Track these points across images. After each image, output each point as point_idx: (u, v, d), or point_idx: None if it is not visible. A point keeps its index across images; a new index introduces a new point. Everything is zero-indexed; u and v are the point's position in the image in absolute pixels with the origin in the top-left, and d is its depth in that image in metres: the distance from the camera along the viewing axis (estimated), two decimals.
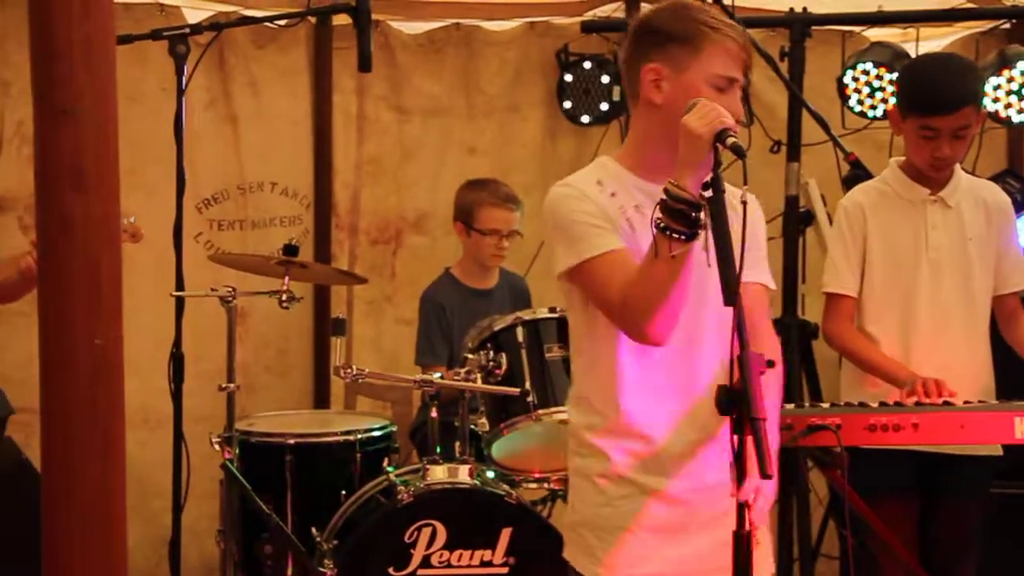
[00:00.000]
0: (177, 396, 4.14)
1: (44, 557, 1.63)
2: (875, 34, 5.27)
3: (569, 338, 2.81)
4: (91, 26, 1.56)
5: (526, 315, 4.02)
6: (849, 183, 4.41)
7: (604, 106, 5.33)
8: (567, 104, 5.38)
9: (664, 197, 2.38)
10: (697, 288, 2.49)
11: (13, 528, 4.14)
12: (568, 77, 5.35)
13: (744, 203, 2.26)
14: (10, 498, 4.20)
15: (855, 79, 4.92)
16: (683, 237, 2.36)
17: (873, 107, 4.96)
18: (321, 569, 3.80)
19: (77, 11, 1.55)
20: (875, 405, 3.42)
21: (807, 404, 3.65)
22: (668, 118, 2.51)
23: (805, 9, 4.94)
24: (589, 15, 5.47)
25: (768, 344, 2.65)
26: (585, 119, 5.38)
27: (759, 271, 2.70)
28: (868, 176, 4.29)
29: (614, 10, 5.48)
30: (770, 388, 2.53)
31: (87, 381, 1.63)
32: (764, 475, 2.10)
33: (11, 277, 4.03)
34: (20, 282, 4.02)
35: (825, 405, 3.51)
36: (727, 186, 2.36)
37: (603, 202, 2.58)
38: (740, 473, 2.23)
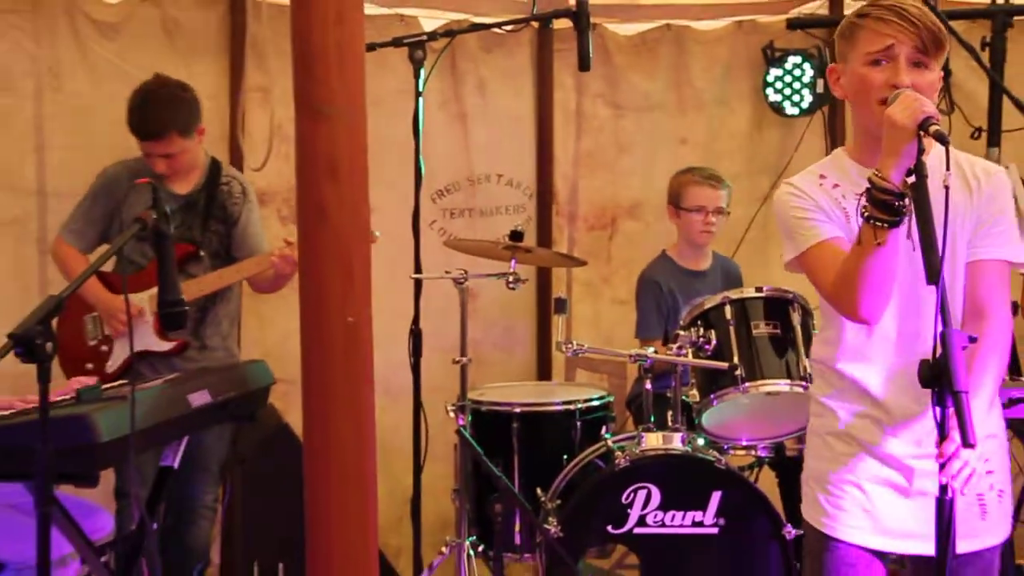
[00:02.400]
0: (416, 368, 4.21)
1: (308, 509, 1.68)
2: None
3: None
4: (343, 33, 1.60)
5: (733, 294, 3.97)
6: None
7: (808, 98, 5.29)
8: (773, 97, 5.32)
9: (868, 187, 2.36)
10: (913, 266, 2.41)
11: (276, 482, 4.29)
12: (774, 71, 5.30)
13: (947, 187, 2.20)
14: (273, 457, 4.34)
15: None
16: (887, 225, 2.33)
17: None
18: (546, 526, 3.82)
19: (332, 20, 1.58)
20: None
21: (1008, 378, 3.51)
22: (855, 108, 2.62)
23: (1007, 0, 4.78)
24: (794, 12, 5.40)
25: (995, 319, 2.56)
26: (790, 110, 5.32)
27: (996, 247, 2.58)
28: None
29: (818, 7, 5.38)
30: (990, 361, 2.50)
31: (341, 355, 1.66)
32: (966, 444, 2.06)
33: (266, 273, 4.18)
34: (275, 278, 4.17)
35: (1022, 379, 3.40)
36: (964, 160, 2.42)
37: (820, 196, 2.59)
38: (942, 439, 2.20)
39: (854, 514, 2.59)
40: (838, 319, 2.61)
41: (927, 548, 2.50)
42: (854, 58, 2.54)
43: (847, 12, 5.35)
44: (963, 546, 2.52)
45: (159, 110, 4.11)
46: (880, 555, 2.63)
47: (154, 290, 4.02)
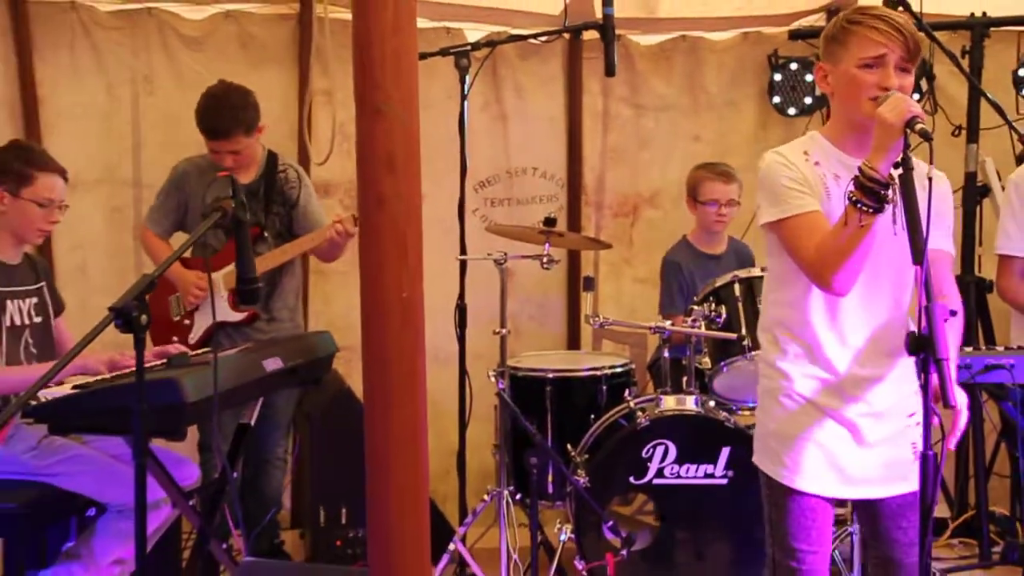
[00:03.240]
0: (461, 338, 4.22)
1: (367, 461, 1.68)
2: None
3: (765, 278, 2.79)
4: (398, 43, 1.60)
5: (742, 274, 3.96)
6: (1022, 160, 4.29)
7: (808, 100, 5.28)
8: (776, 99, 5.30)
9: (858, 175, 2.36)
10: (878, 249, 2.44)
11: (339, 438, 4.32)
12: (777, 77, 5.28)
13: (930, 179, 2.22)
14: (337, 417, 4.36)
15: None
16: (871, 210, 2.34)
17: None
18: (575, 477, 3.83)
19: (389, 32, 1.58)
20: None
21: (984, 347, 3.49)
22: (840, 102, 2.59)
23: (984, 13, 4.83)
24: (795, 25, 5.37)
25: (951, 298, 2.59)
26: (791, 111, 5.31)
27: (942, 240, 2.61)
28: None
29: (816, 20, 5.37)
30: (952, 333, 2.48)
31: (397, 326, 1.67)
32: (947, 405, 2.09)
33: (322, 245, 4.20)
34: (330, 247, 4.18)
35: (999, 348, 3.38)
36: (919, 163, 2.31)
37: (807, 170, 2.56)
38: (926, 404, 2.18)
39: (810, 468, 2.59)
40: (802, 288, 2.57)
41: (874, 493, 2.61)
42: (846, 60, 2.52)
43: None
44: (904, 487, 2.58)
45: (226, 113, 4.12)
46: (832, 500, 2.65)
47: (228, 268, 4.08)
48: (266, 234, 4.29)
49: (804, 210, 2.52)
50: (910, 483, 2.55)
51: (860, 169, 2.35)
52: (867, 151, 2.40)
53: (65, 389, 2.94)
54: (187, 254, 4.10)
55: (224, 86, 4.24)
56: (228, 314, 4.20)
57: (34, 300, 3.55)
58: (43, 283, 3.62)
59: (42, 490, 3.29)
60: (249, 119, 4.16)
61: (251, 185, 4.27)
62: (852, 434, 2.58)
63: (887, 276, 2.56)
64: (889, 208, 2.35)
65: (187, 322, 4.24)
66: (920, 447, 2.53)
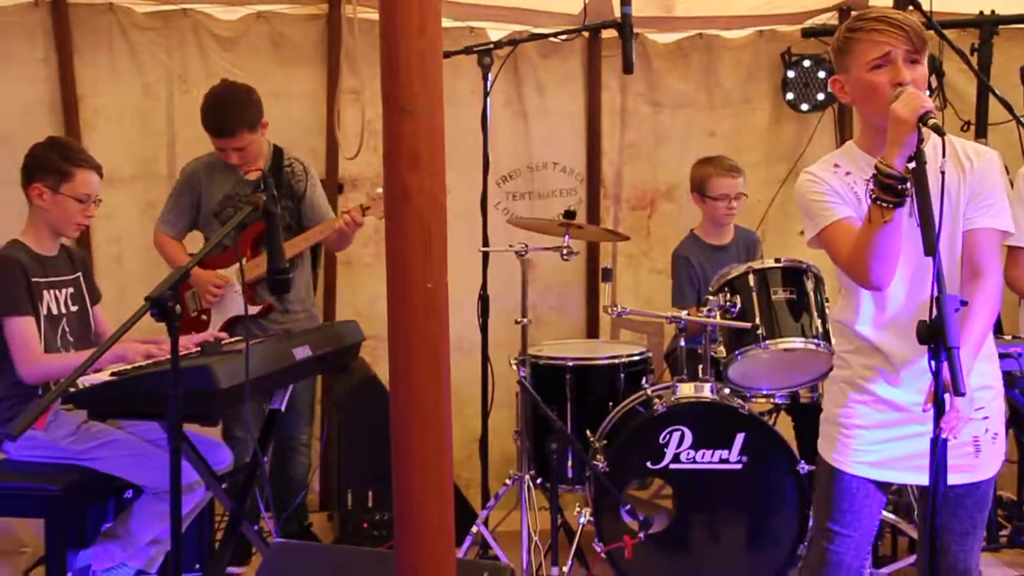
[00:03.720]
0: (484, 328, 4.22)
1: (393, 446, 1.68)
2: None
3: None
4: (424, 43, 1.59)
5: (756, 265, 3.94)
6: None
7: (820, 96, 5.26)
8: (789, 96, 5.28)
9: (875, 172, 2.37)
10: (917, 242, 2.33)
11: (365, 424, 4.33)
12: (790, 74, 5.25)
13: (943, 172, 2.20)
14: (364, 403, 4.37)
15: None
16: (891, 205, 2.34)
17: None
18: (594, 462, 3.82)
19: (414, 32, 1.58)
20: None
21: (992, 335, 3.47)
22: (861, 108, 2.60)
23: (993, 11, 4.81)
24: (808, 23, 5.34)
25: (988, 279, 2.55)
26: (804, 107, 5.29)
27: (988, 217, 2.56)
28: None
29: (829, 18, 5.34)
30: (983, 314, 2.51)
31: (422, 316, 1.66)
32: (956, 392, 2.08)
33: (328, 238, 4.21)
34: (339, 238, 4.21)
35: (1007, 337, 3.36)
36: (959, 140, 2.40)
37: (834, 181, 2.59)
38: (938, 390, 2.18)
39: (859, 451, 2.60)
40: (855, 287, 2.60)
41: (919, 479, 2.56)
42: (856, 67, 2.52)
43: None
44: (962, 478, 2.56)
45: (230, 112, 4.12)
46: (880, 485, 2.63)
47: (235, 266, 4.11)
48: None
49: (835, 219, 2.55)
50: (966, 474, 2.58)
51: (876, 166, 2.36)
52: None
53: (103, 376, 2.96)
54: (194, 250, 4.16)
55: (227, 85, 4.24)
56: (242, 308, 4.18)
57: (70, 290, 3.56)
58: (79, 273, 3.63)
59: (82, 473, 3.31)
60: (252, 116, 4.15)
61: (259, 180, 4.26)
62: (904, 421, 2.57)
63: (928, 267, 2.52)
64: (911, 204, 2.33)
65: (203, 318, 4.24)
66: (985, 441, 2.59)
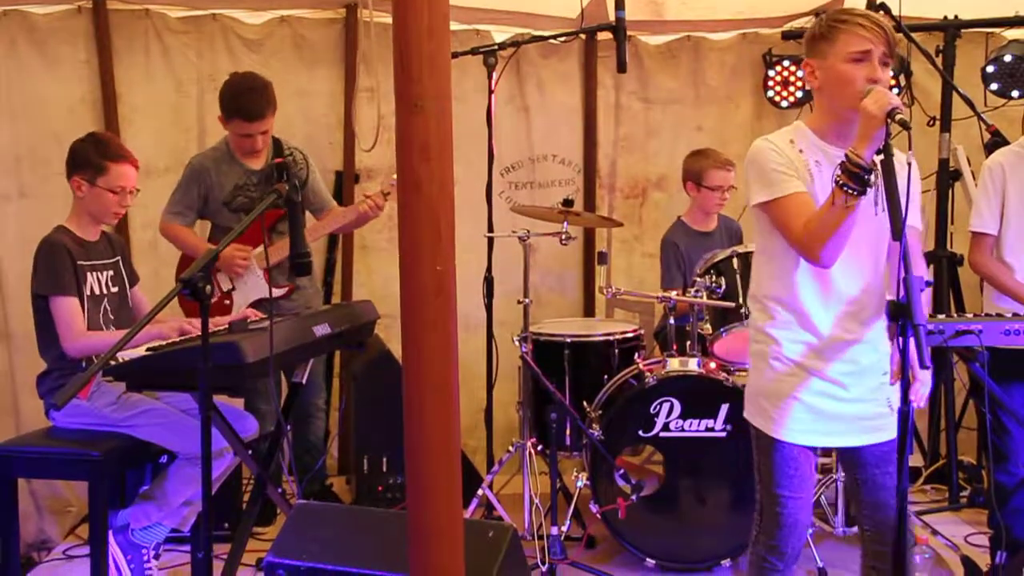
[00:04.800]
0: (489, 307, 4.22)
1: (405, 415, 1.69)
2: (1013, 34, 4.94)
3: (753, 253, 2.76)
4: (434, 44, 1.59)
5: (740, 249, 3.93)
6: (990, 148, 4.31)
7: (799, 94, 5.22)
8: (770, 93, 5.25)
9: (844, 161, 2.34)
10: (860, 226, 2.43)
11: (380, 395, 4.33)
12: (771, 73, 5.22)
13: (910, 164, 2.20)
14: (378, 376, 4.37)
15: (996, 69, 4.66)
16: (856, 192, 2.33)
17: (1011, 90, 4.70)
18: (591, 431, 3.83)
19: (425, 34, 1.57)
20: (1008, 315, 3.32)
21: (955, 315, 3.47)
22: (827, 96, 2.54)
23: (956, 16, 4.83)
24: (787, 26, 5.32)
25: (920, 268, 2.54)
26: (784, 104, 5.25)
27: (916, 218, 2.58)
28: (1005, 143, 4.17)
29: (807, 22, 5.31)
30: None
31: (432, 296, 1.66)
32: (923, 366, 2.08)
33: (351, 220, 4.21)
34: (355, 222, 4.21)
35: (969, 315, 3.36)
36: (898, 151, 2.33)
37: (793, 155, 2.53)
38: (905, 365, 2.17)
39: (794, 421, 2.58)
40: (791, 262, 2.55)
41: (853, 442, 2.61)
42: (833, 55, 2.48)
43: None
44: (884, 436, 2.58)
45: (259, 96, 4.10)
46: (814, 450, 2.65)
47: (258, 249, 4.11)
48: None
49: (792, 191, 2.49)
50: (887, 433, 2.58)
51: (846, 155, 2.34)
52: (847, 141, 2.40)
53: (140, 351, 2.96)
54: (209, 239, 4.20)
55: (246, 74, 4.22)
56: (265, 291, 4.16)
57: (111, 272, 3.57)
58: (118, 257, 3.63)
59: (121, 440, 3.32)
60: (274, 100, 4.15)
61: (264, 170, 4.25)
62: (834, 390, 2.57)
63: (867, 250, 2.55)
64: (871, 191, 2.34)
65: (227, 302, 4.23)
66: (895, 402, 2.56)
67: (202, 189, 4.25)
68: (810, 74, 2.56)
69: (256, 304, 4.13)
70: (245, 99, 4.09)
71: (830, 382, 2.57)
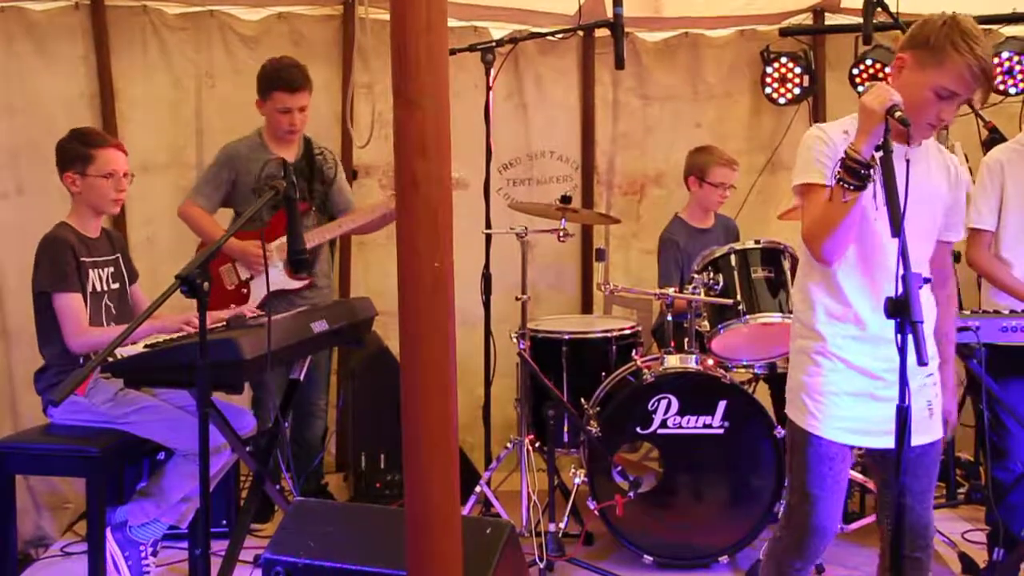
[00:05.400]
0: (487, 303, 4.21)
1: (403, 412, 1.68)
2: (1010, 30, 4.95)
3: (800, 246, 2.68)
4: (431, 40, 1.58)
5: (737, 246, 3.93)
6: (988, 145, 4.30)
7: (796, 91, 5.21)
8: (768, 90, 5.24)
9: (843, 156, 2.34)
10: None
11: (378, 392, 4.33)
12: (769, 70, 5.21)
13: (908, 160, 2.21)
14: (376, 373, 4.37)
15: (994, 65, 4.66)
16: (853, 187, 2.32)
17: (1010, 86, 4.70)
18: (588, 428, 3.83)
19: (422, 30, 1.57)
20: (1006, 312, 3.31)
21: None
22: (904, 91, 2.36)
23: (954, 12, 4.75)
24: (785, 23, 5.33)
25: (952, 284, 2.66)
26: (781, 101, 5.25)
27: (956, 233, 2.64)
28: (1003, 139, 4.16)
29: (804, 19, 5.35)
30: (950, 303, 2.59)
31: (429, 292, 1.66)
32: (920, 362, 2.05)
33: (374, 219, 4.20)
34: (379, 221, 4.20)
35: (967, 312, 3.36)
36: (943, 149, 2.42)
37: (841, 145, 2.43)
38: (903, 362, 2.15)
39: (833, 417, 2.54)
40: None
41: (888, 442, 2.53)
42: (930, 76, 2.39)
43: (828, 23, 5.30)
44: (921, 439, 2.53)
45: (300, 71, 4.16)
46: (850, 450, 2.61)
47: (281, 240, 4.07)
48: (312, 208, 4.29)
49: (819, 180, 2.46)
50: (926, 435, 2.56)
51: (845, 151, 2.34)
52: (900, 137, 2.38)
53: (138, 348, 2.96)
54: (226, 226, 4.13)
55: (282, 56, 4.26)
56: (286, 282, 4.18)
57: (111, 269, 3.57)
58: (118, 254, 3.63)
59: (119, 436, 3.32)
60: (311, 81, 4.22)
61: (295, 164, 4.26)
62: (875, 388, 2.52)
63: (911, 245, 2.51)
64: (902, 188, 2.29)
65: (245, 291, 4.24)
66: (936, 406, 2.59)
67: (232, 174, 4.24)
68: (897, 68, 2.47)
69: (273, 295, 4.12)
70: (286, 71, 4.14)
71: (873, 379, 2.52)
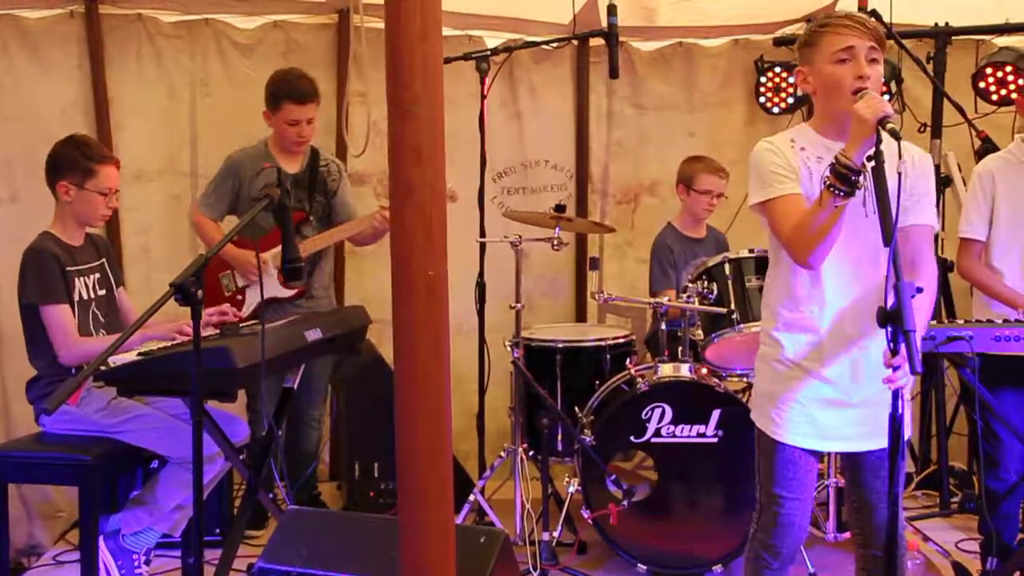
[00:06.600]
0: (481, 312, 4.22)
1: (398, 422, 1.68)
2: (1003, 41, 4.97)
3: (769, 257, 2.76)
4: (426, 49, 1.58)
5: (731, 254, 3.93)
6: (980, 155, 4.32)
7: (790, 100, 5.24)
8: (762, 99, 5.26)
9: (834, 163, 2.36)
10: (855, 229, 2.46)
11: (372, 400, 4.33)
12: (763, 79, 5.23)
13: (900, 173, 2.19)
14: (370, 381, 4.37)
15: (987, 75, 4.67)
16: (843, 194, 2.34)
17: (1002, 97, 4.72)
18: (582, 436, 3.82)
19: (417, 39, 1.57)
20: (999, 321, 3.31)
21: (946, 320, 3.48)
22: (821, 100, 2.57)
23: (947, 23, 4.82)
24: (779, 33, 5.34)
25: (927, 271, 2.58)
26: (775, 110, 5.28)
27: (927, 215, 2.60)
28: (995, 149, 4.18)
29: (798, 28, 5.32)
30: (922, 308, 2.49)
31: (423, 301, 1.66)
32: (913, 372, 2.07)
33: (367, 231, 4.19)
34: (372, 234, 4.18)
35: (960, 321, 3.37)
36: (908, 145, 2.38)
37: (791, 156, 2.55)
38: (896, 368, 2.16)
39: (798, 423, 2.59)
40: (787, 267, 2.58)
41: (852, 447, 2.61)
42: (820, 59, 2.51)
43: None
44: (883, 443, 2.53)
45: (309, 82, 4.16)
46: (815, 453, 2.65)
47: (278, 249, 4.06)
48: (311, 218, 4.29)
49: (785, 192, 2.52)
50: (886, 440, 2.57)
51: (836, 158, 2.35)
52: (847, 136, 2.39)
53: (130, 356, 2.95)
54: (237, 236, 4.09)
55: (291, 68, 4.26)
56: (278, 290, 4.19)
57: (97, 275, 3.55)
58: (103, 259, 3.61)
59: (112, 445, 3.31)
60: (320, 93, 4.21)
61: (298, 175, 4.27)
62: (835, 394, 2.57)
63: (865, 253, 2.55)
64: (861, 194, 2.36)
65: (240, 297, 4.24)
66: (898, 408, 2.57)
67: (235, 184, 4.25)
68: (803, 81, 2.58)
69: (268, 304, 4.12)
70: (297, 83, 4.14)
71: (831, 385, 2.57)
